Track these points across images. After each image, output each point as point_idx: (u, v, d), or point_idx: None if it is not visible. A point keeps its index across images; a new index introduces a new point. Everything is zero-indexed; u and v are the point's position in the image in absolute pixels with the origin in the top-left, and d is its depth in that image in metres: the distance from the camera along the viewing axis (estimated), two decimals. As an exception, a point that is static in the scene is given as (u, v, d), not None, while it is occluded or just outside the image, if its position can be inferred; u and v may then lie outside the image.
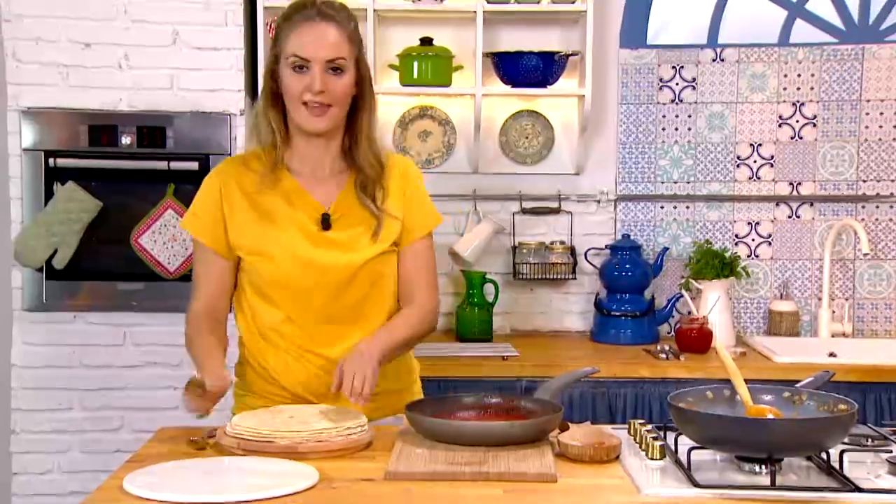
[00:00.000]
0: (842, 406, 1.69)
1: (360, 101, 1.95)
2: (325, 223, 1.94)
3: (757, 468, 1.62)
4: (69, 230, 3.01)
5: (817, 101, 3.35)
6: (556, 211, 3.36)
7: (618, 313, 3.21)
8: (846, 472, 1.61)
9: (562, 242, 3.33)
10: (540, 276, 3.32)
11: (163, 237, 3.03)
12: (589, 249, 3.34)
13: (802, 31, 3.37)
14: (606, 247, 3.32)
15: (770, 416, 1.68)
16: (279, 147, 1.94)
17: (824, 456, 1.64)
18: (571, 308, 3.40)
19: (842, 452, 1.63)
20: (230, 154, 3.05)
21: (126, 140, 3.05)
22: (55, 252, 3.02)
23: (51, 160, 3.04)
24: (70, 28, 3.01)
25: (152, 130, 3.05)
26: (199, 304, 1.97)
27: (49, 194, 3.04)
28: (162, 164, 3.05)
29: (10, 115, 3.03)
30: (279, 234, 1.93)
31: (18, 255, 3.02)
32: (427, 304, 2.00)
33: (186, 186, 3.05)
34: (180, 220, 2.05)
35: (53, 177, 3.04)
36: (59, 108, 3.03)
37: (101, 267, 3.08)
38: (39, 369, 3.06)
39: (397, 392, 2.02)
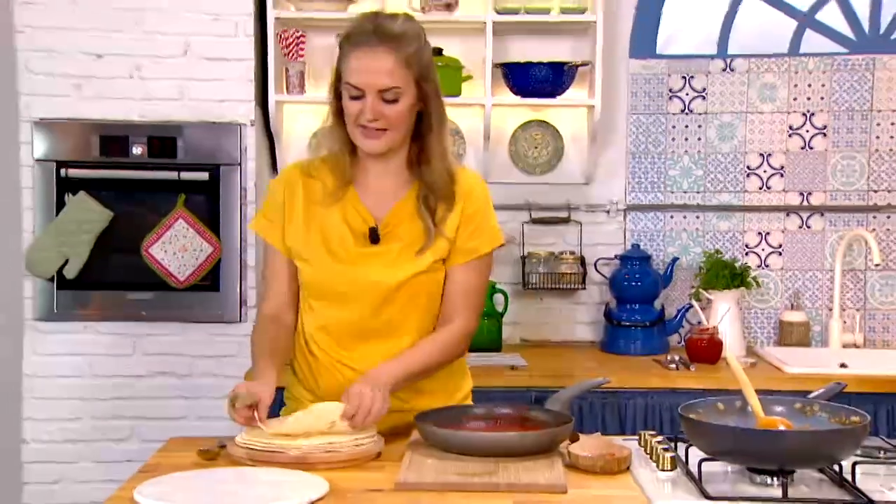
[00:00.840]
0: (854, 418, 1.68)
1: (427, 119, 1.90)
2: (374, 237, 1.92)
3: (769, 480, 1.61)
4: (80, 240, 3.02)
5: (827, 111, 3.35)
6: (566, 221, 3.36)
7: (627, 323, 3.20)
8: (859, 484, 1.60)
9: (571, 252, 3.33)
10: (549, 286, 3.31)
11: (173, 247, 3.04)
12: (598, 259, 3.33)
13: (813, 41, 3.36)
14: (616, 257, 3.31)
15: (781, 427, 1.67)
16: (347, 164, 1.93)
17: (836, 468, 1.64)
18: (581, 318, 3.40)
19: (854, 464, 1.62)
20: (240, 164, 3.07)
21: (137, 150, 3.07)
22: (66, 262, 3.03)
23: (63, 170, 3.06)
24: (82, 39, 3.03)
25: (163, 141, 3.07)
26: (268, 305, 1.99)
27: (61, 204, 3.05)
28: (172, 175, 3.06)
29: (23, 126, 3.05)
30: (325, 243, 1.92)
31: (30, 264, 3.04)
32: (460, 330, 1.93)
33: (197, 197, 3.07)
34: (249, 222, 2.06)
35: (65, 187, 3.05)
36: (71, 118, 3.05)
37: (112, 277, 3.09)
38: (50, 379, 3.07)
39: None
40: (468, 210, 1.94)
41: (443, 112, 1.93)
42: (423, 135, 1.92)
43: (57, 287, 3.06)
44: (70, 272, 3.03)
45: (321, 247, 1.92)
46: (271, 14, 3.10)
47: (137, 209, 3.08)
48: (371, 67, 1.83)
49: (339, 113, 1.91)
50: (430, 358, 1.91)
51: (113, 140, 3.07)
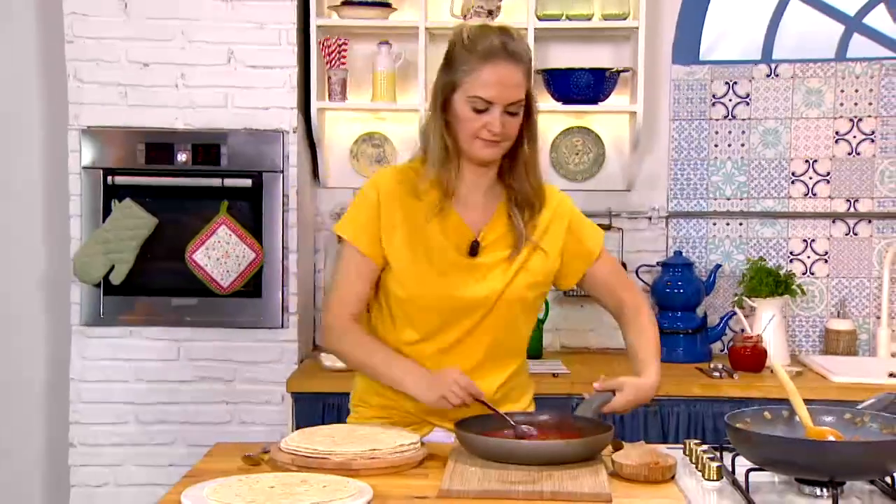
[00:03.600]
0: (906, 429, 1.65)
1: (525, 131, 1.95)
2: (474, 250, 1.94)
3: (818, 491, 1.59)
4: (126, 246, 3.06)
5: (875, 117, 3.30)
6: (607, 228, 3.33)
7: (669, 331, 3.17)
8: (911, 496, 1.57)
9: (613, 259, 3.31)
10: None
11: (216, 253, 3.07)
12: (640, 266, 3.31)
13: (860, 45, 3.31)
14: (658, 264, 3.29)
15: (831, 438, 1.64)
16: (453, 178, 1.92)
17: (888, 480, 1.61)
18: (622, 325, 3.36)
19: (906, 476, 1.59)
20: (283, 171, 3.09)
21: (181, 157, 3.10)
22: (112, 268, 3.07)
23: (109, 178, 3.10)
24: (129, 48, 3.07)
25: (207, 148, 3.10)
26: (348, 307, 1.95)
27: (107, 211, 3.09)
28: (216, 181, 3.09)
29: (71, 134, 3.10)
30: (428, 258, 1.92)
31: (77, 270, 3.08)
32: (641, 303, 2.08)
33: (240, 203, 3.10)
34: (334, 225, 2.05)
35: (111, 194, 3.10)
36: (117, 126, 3.10)
37: (156, 283, 3.12)
38: (96, 383, 3.11)
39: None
40: (569, 222, 2.02)
41: (537, 127, 1.97)
42: (520, 148, 1.95)
43: (103, 293, 3.10)
44: (116, 278, 3.07)
45: (425, 262, 1.92)
46: (314, 22, 3.13)
47: (181, 216, 3.11)
48: (503, 82, 1.87)
49: (445, 125, 1.92)
50: (657, 337, 2.05)
51: (158, 147, 3.11)
